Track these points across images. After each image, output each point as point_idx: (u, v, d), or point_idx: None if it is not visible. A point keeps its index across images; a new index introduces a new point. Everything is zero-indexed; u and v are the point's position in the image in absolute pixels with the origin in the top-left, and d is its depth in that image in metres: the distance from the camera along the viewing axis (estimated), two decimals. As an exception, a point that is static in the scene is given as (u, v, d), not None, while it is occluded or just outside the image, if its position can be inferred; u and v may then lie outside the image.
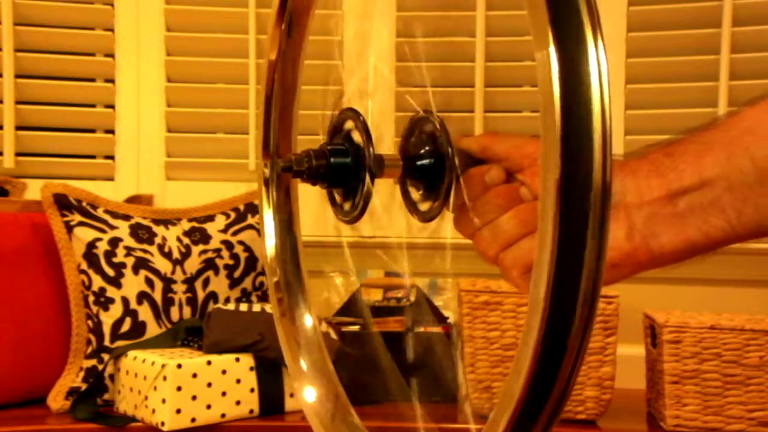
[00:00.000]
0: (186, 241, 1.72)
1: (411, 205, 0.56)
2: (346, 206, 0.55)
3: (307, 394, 0.65)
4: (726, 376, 1.48)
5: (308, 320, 0.68)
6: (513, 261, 0.52)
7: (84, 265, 1.63)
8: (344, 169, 0.53)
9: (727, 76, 1.80)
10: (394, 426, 1.53)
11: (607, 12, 1.88)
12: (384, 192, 0.56)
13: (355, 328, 1.67)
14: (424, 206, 0.54)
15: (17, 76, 1.89)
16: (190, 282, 1.69)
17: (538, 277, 0.37)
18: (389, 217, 0.61)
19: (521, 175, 0.54)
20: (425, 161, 0.53)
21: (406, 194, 0.56)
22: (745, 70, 1.80)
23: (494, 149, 0.54)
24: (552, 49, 0.36)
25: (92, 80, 1.98)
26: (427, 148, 0.53)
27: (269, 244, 0.66)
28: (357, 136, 0.54)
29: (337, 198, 0.56)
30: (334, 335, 1.61)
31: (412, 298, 1.72)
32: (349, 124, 0.54)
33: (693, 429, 1.50)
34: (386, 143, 1.83)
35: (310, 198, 0.67)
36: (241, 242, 1.77)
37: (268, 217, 0.65)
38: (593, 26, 0.36)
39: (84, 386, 1.57)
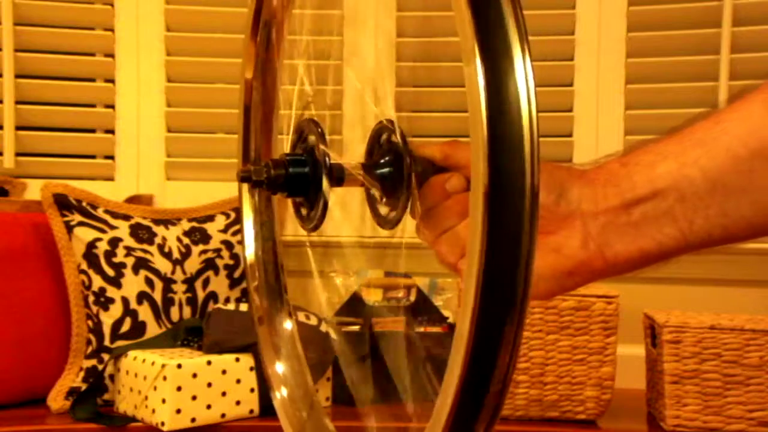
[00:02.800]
0: (186, 241, 1.72)
1: (374, 212, 0.56)
2: (305, 214, 0.56)
3: (279, 396, 0.66)
4: (726, 376, 1.48)
5: (288, 325, 0.69)
6: None
7: (84, 265, 1.63)
8: (303, 179, 0.54)
9: (727, 76, 1.80)
10: (394, 426, 1.53)
11: (607, 12, 1.88)
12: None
13: (355, 328, 1.67)
14: (386, 213, 0.55)
15: (17, 76, 1.89)
16: (190, 282, 1.69)
17: (467, 288, 0.37)
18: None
19: None
20: (385, 170, 0.54)
21: (370, 201, 0.56)
22: (745, 70, 1.80)
23: (456, 157, 0.54)
24: (478, 62, 0.37)
25: (92, 80, 1.98)
26: (387, 157, 0.54)
27: (249, 250, 0.67)
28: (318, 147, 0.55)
29: (300, 208, 0.57)
30: (334, 335, 1.61)
31: (412, 298, 1.72)
32: (311, 135, 0.55)
33: (693, 429, 1.50)
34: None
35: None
36: (241, 242, 1.76)
37: (248, 223, 0.66)
38: (520, 39, 0.37)
39: (84, 386, 1.57)
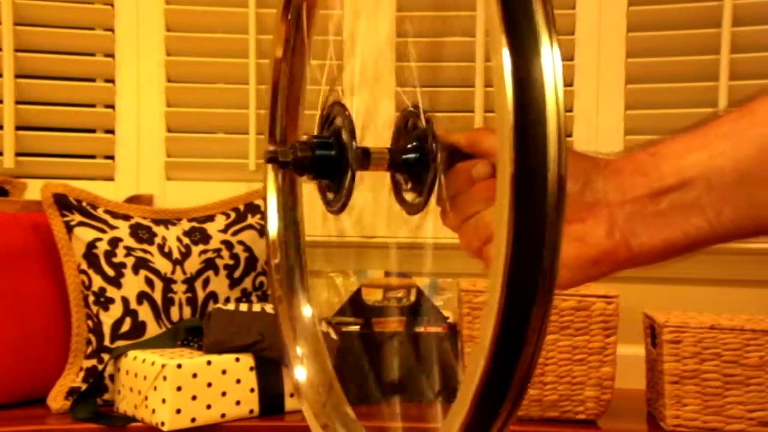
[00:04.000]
0: (186, 241, 1.72)
1: (399, 198, 0.57)
2: (330, 197, 0.57)
3: (298, 373, 0.66)
4: (726, 376, 1.48)
5: (307, 311, 0.69)
6: None
7: (84, 265, 1.63)
8: (328, 161, 0.55)
9: (727, 76, 1.80)
10: (393, 426, 1.53)
11: (607, 12, 1.88)
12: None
13: (356, 328, 1.67)
14: (411, 199, 0.56)
15: (17, 76, 1.89)
16: (190, 282, 1.69)
17: (494, 276, 0.38)
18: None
19: None
20: (411, 155, 0.54)
21: (395, 187, 0.57)
22: (745, 70, 1.80)
23: (482, 144, 0.55)
24: (505, 51, 0.37)
25: (92, 80, 1.98)
26: (414, 143, 0.54)
27: (272, 227, 0.67)
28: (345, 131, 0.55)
29: (325, 190, 0.57)
30: (334, 335, 1.61)
31: (412, 298, 1.72)
32: (338, 119, 0.56)
33: (693, 429, 1.50)
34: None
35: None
36: (241, 242, 1.77)
37: (272, 201, 0.66)
38: (548, 27, 0.38)
39: (84, 386, 1.57)
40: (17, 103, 1.90)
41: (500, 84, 0.37)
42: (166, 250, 1.69)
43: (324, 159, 0.55)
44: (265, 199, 0.67)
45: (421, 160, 0.54)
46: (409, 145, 0.54)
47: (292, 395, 1.58)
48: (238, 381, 1.52)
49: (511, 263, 0.37)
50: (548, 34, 0.38)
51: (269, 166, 0.67)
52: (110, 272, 1.63)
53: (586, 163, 0.53)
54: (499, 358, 0.38)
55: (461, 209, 0.55)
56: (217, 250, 1.73)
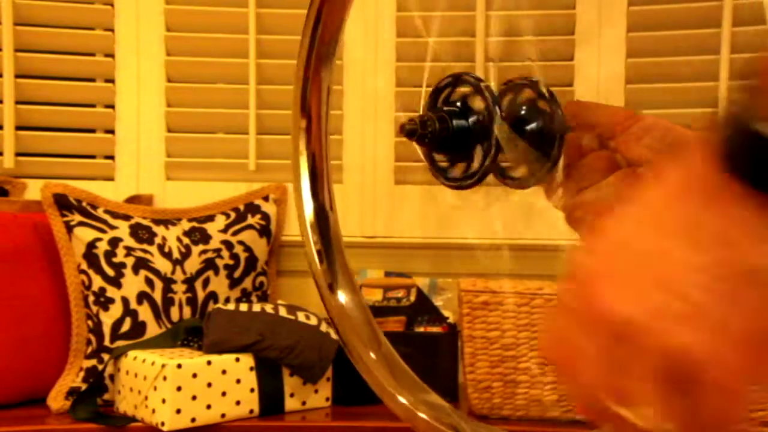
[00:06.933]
0: (186, 241, 1.72)
1: (502, 177, 0.55)
2: (459, 172, 0.54)
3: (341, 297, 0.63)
4: (726, 376, 1.48)
5: (341, 297, 0.65)
6: None
7: (84, 265, 1.63)
8: (465, 132, 0.52)
9: (727, 76, 1.80)
10: (393, 426, 1.53)
11: (607, 12, 1.88)
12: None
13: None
14: (521, 174, 0.54)
15: (17, 76, 1.89)
16: (190, 282, 1.69)
17: None
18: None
19: (614, 143, 0.53)
20: (533, 125, 0.53)
21: (498, 169, 0.54)
22: (745, 70, 1.80)
23: (585, 116, 0.54)
24: None
25: (92, 80, 1.98)
26: (533, 115, 0.53)
27: (307, 209, 0.64)
28: (475, 101, 0.53)
29: (446, 164, 0.55)
30: (334, 335, 1.61)
31: (412, 298, 1.72)
32: (460, 89, 0.54)
33: (693, 429, 1.49)
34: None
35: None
36: (241, 242, 1.77)
37: (305, 182, 0.63)
38: None
39: (84, 386, 1.57)
40: (17, 103, 1.90)
41: None
42: (166, 250, 1.69)
43: (461, 130, 0.52)
44: (297, 179, 0.64)
45: (541, 133, 0.52)
46: (531, 116, 0.53)
47: (292, 395, 1.58)
48: (238, 381, 1.52)
49: None
50: None
51: (302, 143, 0.63)
52: (110, 272, 1.63)
53: None
54: None
55: (574, 181, 0.53)
56: (217, 250, 1.73)
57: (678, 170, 0.33)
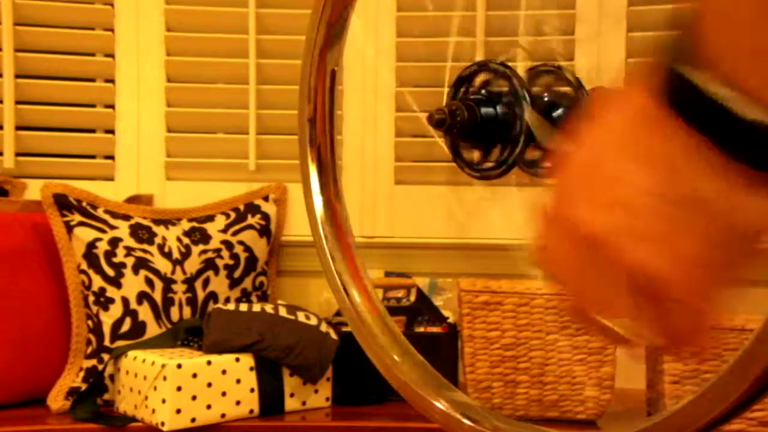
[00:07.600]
0: (186, 241, 1.72)
1: (524, 164, 0.54)
2: (490, 162, 0.53)
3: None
4: (726, 376, 1.48)
5: (354, 294, 0.65)
6: None
7: (84, 265, 1.63)
8: (493, 121, 0.52)
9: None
10: (394, 426, 1.53)
11: (607, 12, 1.88)
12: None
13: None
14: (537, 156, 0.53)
15: (17, 76, 1.89)
16: (190, 282, 1.69)
17: None
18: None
19: None
20: (560, 112, 0.52)
21: (523, 158, 0.54)
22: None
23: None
24: None
25: (92, 80, 1.98)
26: (562, 100, 0.52)
27: (317, 203, 0.63)
28: (502, 88, 0.52)
29: (472, 154, 0.54)
30: (334, 335, 1.61)
31: (412, 298, 1.72)
32: (485, 77, 0.53)
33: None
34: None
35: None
36: (241, 242, 1.77)
37: (314, 177, 0.63)
38: None
39: (84, 386, 1.57)
40: (17, 103, 1.90)
41: None
42: (166, 250, 1.69)
43: (488, 119, 0.51)
44: (305, 173, 0.63)
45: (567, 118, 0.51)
46: (563, 104, 0.52)
47: (292, 395, 1.58)
48: (238, 381, 1.52)
49: None
50: None
51: (306, 134, 0.63)
52: (110, 272, 1.63)
53: None
54: None
55: None
56: (217, 250, 1.73)
57: (634, 101, 0.35)
